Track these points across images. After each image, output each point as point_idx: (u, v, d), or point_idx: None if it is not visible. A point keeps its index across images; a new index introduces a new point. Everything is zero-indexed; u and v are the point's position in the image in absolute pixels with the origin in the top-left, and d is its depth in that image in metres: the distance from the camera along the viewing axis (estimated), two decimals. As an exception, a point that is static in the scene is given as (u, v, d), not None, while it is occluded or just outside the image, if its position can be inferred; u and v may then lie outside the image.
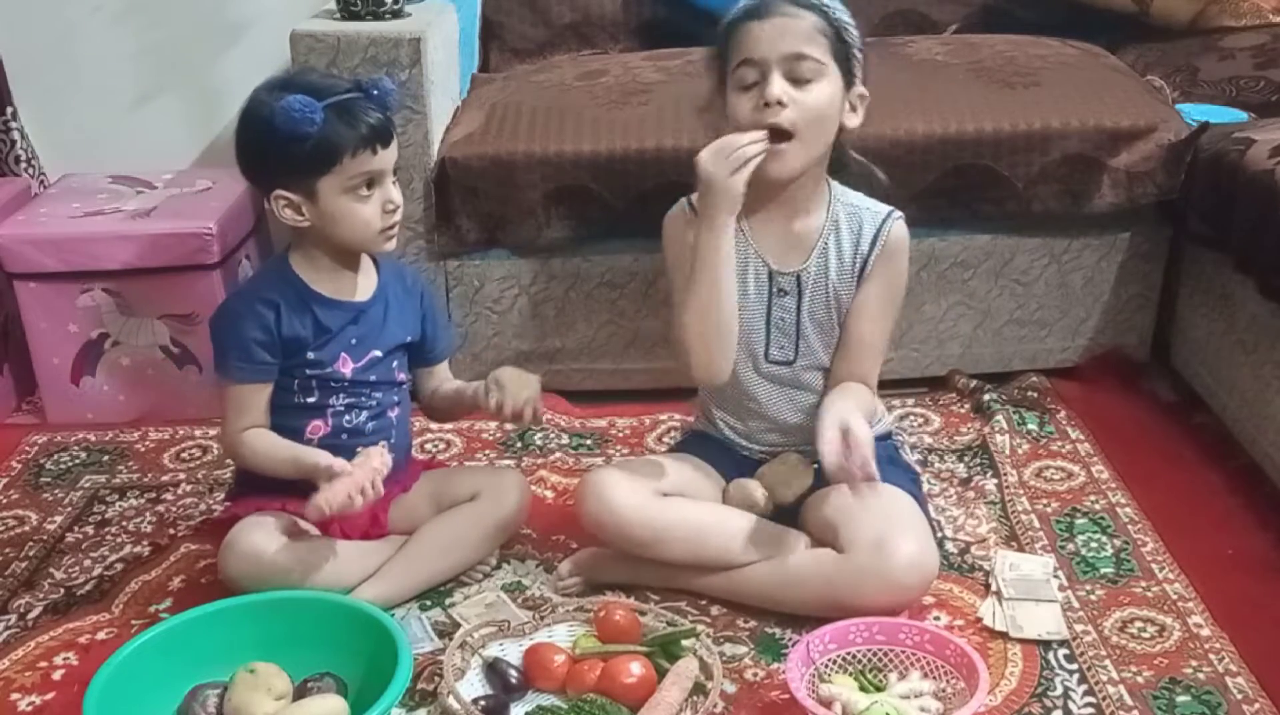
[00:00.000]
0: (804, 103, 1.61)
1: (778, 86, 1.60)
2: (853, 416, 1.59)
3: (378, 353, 1.76)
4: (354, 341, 1.73)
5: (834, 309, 1.73)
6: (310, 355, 1.71)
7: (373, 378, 1.75)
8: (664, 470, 1.78)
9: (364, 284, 1.76)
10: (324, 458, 1.63)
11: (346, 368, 1.73)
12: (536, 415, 1.75)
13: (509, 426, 1.78)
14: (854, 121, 1.68)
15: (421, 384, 1.88)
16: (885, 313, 1.74)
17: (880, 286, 1.72)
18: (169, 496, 2.07)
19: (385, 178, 1.66)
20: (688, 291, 1.66)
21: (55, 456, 2.20)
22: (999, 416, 2.16)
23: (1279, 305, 1.89)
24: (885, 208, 1.74)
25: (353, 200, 1.64)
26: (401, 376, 1.81)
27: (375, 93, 1.65)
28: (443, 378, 1.89)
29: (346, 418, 1.75)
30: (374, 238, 1.68)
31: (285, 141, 1.58)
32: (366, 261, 1.78)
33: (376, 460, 1.62)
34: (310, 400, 1.72)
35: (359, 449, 1.66)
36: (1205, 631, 1.64)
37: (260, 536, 1.65)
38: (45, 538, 1.95)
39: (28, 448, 2.24)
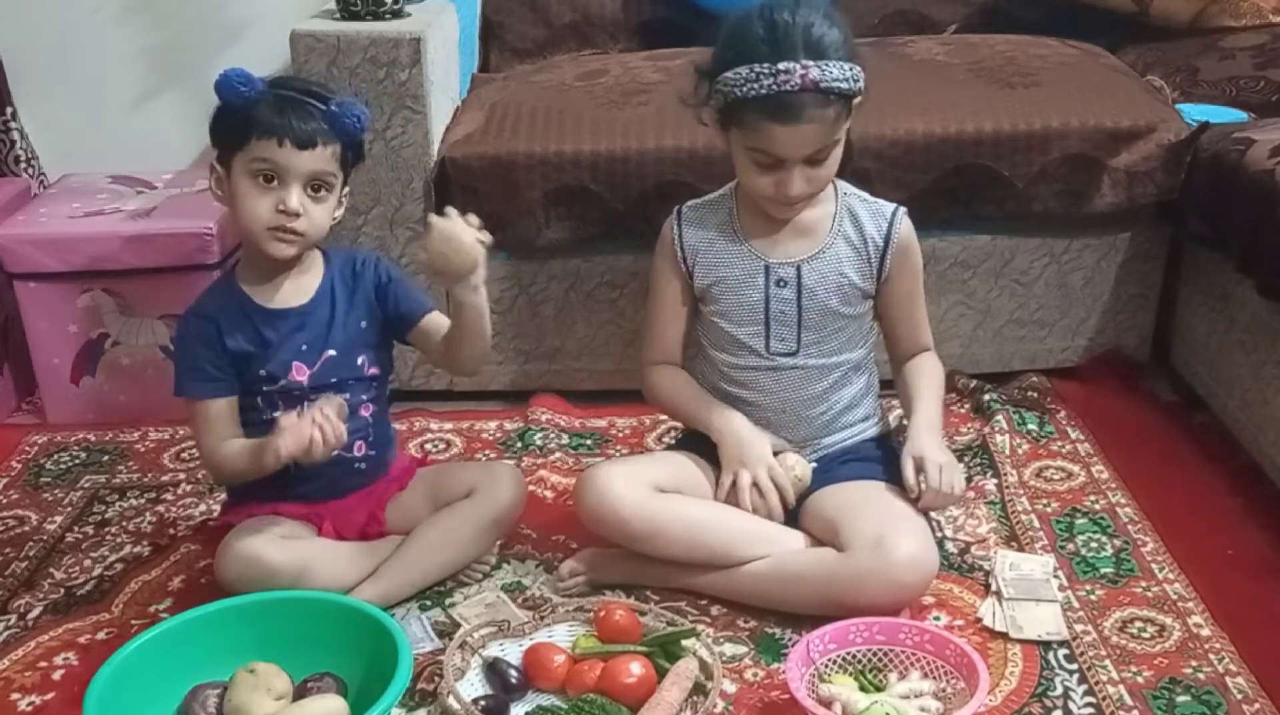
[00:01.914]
0: (819, 178, 1.65)
1: (799, 184, 1.63)
2: (927, 448, 1.67)
3: (333, 352, 1.73)
4: (304, 347, 1.71)
5: (847, 300, 1.74)
6: (261, 371, 1.69)
7: (334, 379, 1.73)
8: (663, 466, 1.79)
9: (306, 284, 1.74)
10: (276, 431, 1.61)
11: (303, 376, 1.71)
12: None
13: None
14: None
15: (424, 348, 1.81)
16: (918, 296, 1.81)
17: (905, 279, 1.77)
18: (169, 496, 2.07)
19: (290, 179, 1.63)
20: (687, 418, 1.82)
21: (55, 456, 2.20)
22: (999, 416, 2.16)
23: (1278, 305, 1.89)
24: (890, 204, 1.76)
25: (251, 186, 1.64)
26: (372, 371, 1.77)
27: (334, 108, 1.65)
28: (439, 331, 1.79)
29: None
30: (261, 233, 1.65)
31: (221, 108, 1.64)
32: (311, 258, 1.75)
33: (329, 405, 1.60)
34: (276, 414, 1.66)
35: (334, 454, 1.66)
36: (1205, 631, 1.64)
37: (256, 540, 1.64)
38: (45, 538, 1.95)
39: (28, 448, 2.24)
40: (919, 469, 1.67)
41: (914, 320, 1.82)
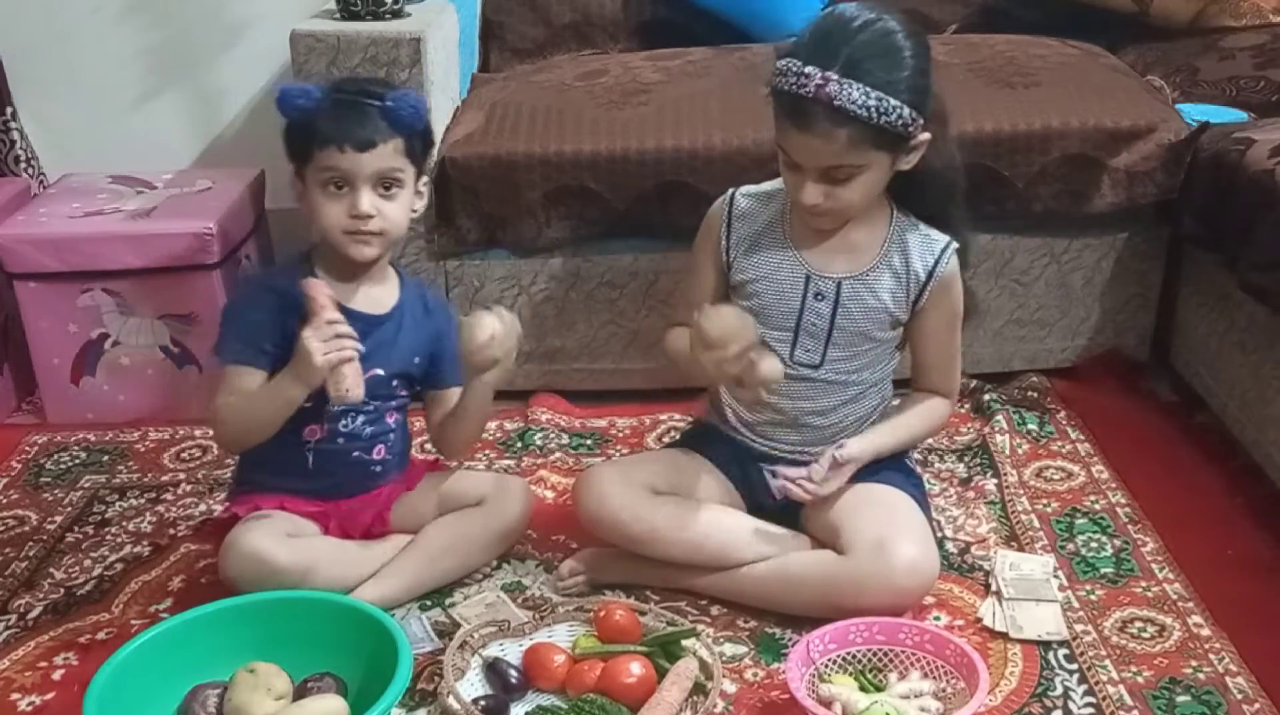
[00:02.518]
0: (842, 197, 1.61)
1: (812, 194, 1.60)
2: (852, 451, 1.68)
3: (380, 372, 1.73)
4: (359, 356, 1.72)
5: (880, 325, 1.71)
6: None
7: (369, 396, 1.72)
8: (661, 467, 1.78)
9: (380, 297, 1.75)
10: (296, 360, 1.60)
11: None
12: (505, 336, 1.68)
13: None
14: (911, 163, 1.63)
15: (431, 413, 1.84)
16: (949, 335, 1.75)
17: (940, 314, 1.72)
18: (169, 496, 2.07)
19: (358, 182, 1.64)
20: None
21: (55, 456, 2.20)
22: (999, 416, 2.16)
23: (1261, 301, 1.89)
24: (944, 237, 1.70)
25: (322, 195, 1.65)
26: (402, 392, 1.79)
27: (390, 103, 1.65)
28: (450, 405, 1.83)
29: (343, 422, 1.73)
30: (340, 238, 1.67)
31: (287, 124, 1.66)
32: (389, 275, 1.77)
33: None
34: (308, 404, 1.68)
35: (355, 454, 1.71)
36: (1205, 631, 1.64)
37: (260, 537, 1.64)
38: (45, 538, 1.95)
39: (28, 448, 2.24)
40: (830, 465, 1.66)
41: (940, 361, 1.75)
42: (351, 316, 1.68)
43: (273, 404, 1.64)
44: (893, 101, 1.53)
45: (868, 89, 1.52)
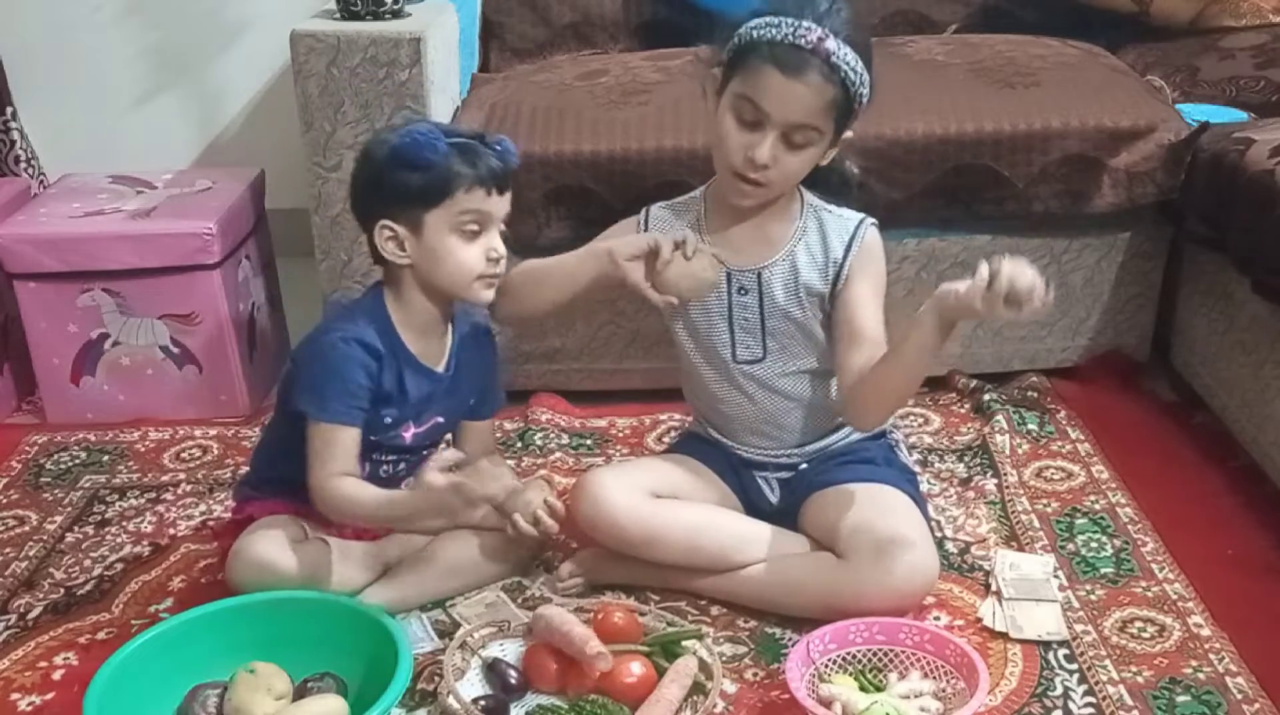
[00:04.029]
0: (786, 166, 1.62)
1: (767, 150, 1.60)
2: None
3: (440, 420, 1.74)
4: (422, 411, 1.71)
5: (807, 307, 1.71)
6: (387, 418, 1.68)
7: (429, 442, 1.75)
8: (659, 471, 1.79)
9: (444, 347, 1.74)
10: (424, 482, 1.56)
11: (408, 433, 1.71)
12: (555, 513, 1.73)
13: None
14: (827, 159, 1.67)
15: (462, 443, 1.83)
16: (878, 304, 1.72)
17: (865, 283, 1.71)
18: (169, 496, 2.07)
19: (493, 224, 1.64)
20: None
21: (55, 456, 2.20)
22: (999, 416, 2.16)
23: (1275, 305, 1.89)
24: (858, 215, 1.73)
25: (458, 239, 1.62)
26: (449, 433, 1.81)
27: (498, 147, 1.64)
28: (485, 443, 1.84)
29: (384, 469, 1.73)
30: (470, 283, 1.65)
31: (405, 168, 1.59)
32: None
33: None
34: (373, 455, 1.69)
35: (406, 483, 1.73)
36: (1205, 631, 1.64)
37: (268, 546, 1.63)
38: (45, 538, 1.95)
39: (28, 448, 2.24)
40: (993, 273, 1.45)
41: (869, 335, 1.67)
42: (421, 372, 1.69)
43: (382, 519, 1.67)
44: (868, 77, 1.59)
45: (857, 56, 1.58)
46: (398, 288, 1.68)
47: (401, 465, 1.75)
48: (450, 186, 1.60)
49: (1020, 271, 1.43)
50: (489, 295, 1.68)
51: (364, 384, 1.63)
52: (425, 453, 1.76)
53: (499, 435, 2.21)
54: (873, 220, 1.74)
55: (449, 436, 1.84)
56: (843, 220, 1.73)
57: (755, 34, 1.60)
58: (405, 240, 1.63)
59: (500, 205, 1.65)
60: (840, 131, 1.64)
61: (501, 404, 1.89)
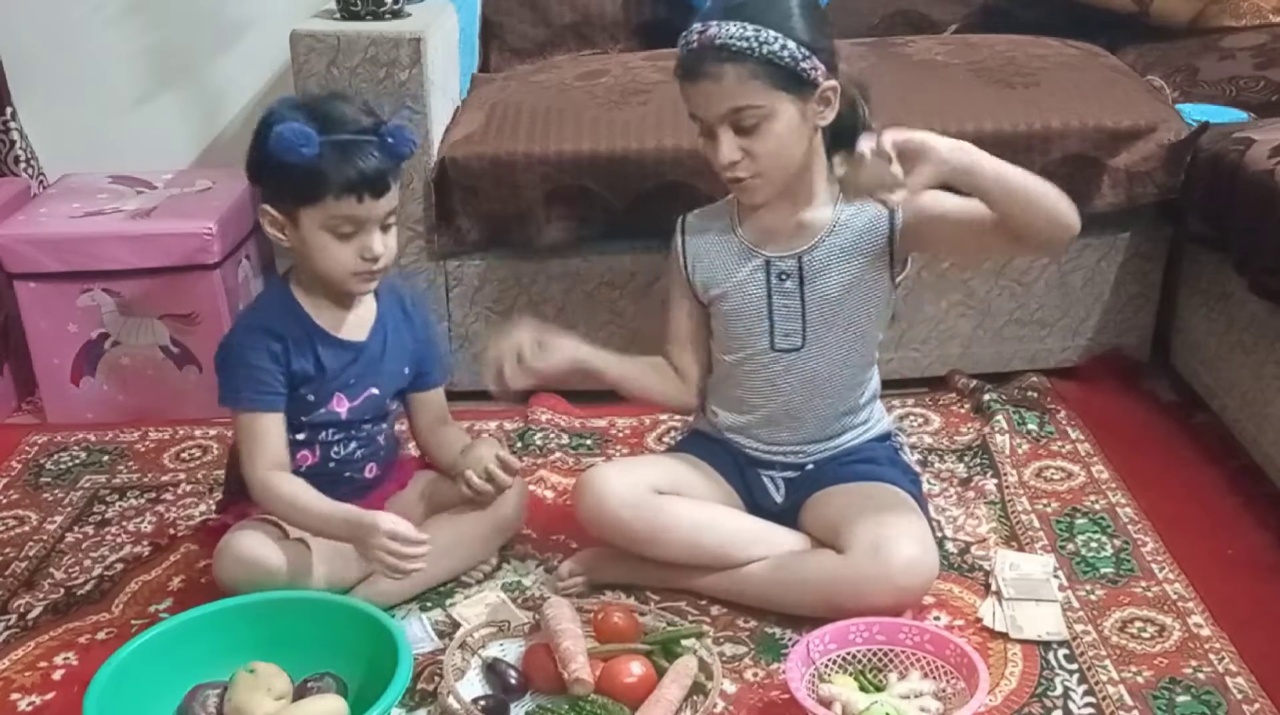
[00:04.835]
0: (757, 150, 1.61)
1: (726, 148, 1.61)
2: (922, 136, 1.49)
3: (374, 391, 1.74)
4: (351, 381, 1.71)
5: (867, 274, 1.69)
6: (310, 396, 1.69)
7: (368, 416, 1.75)
8: (662, 468, 1.79)
9: (364, 317, 1.73)
10: (367, 516, 1.59)
11: (341, 407, 1.71)
12: (506, 466, 1.75)
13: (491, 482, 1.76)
14: (828, 118, 1.64)
15: (414, 416, 1.84)
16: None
17: (928, 196, 1.59)
18: (169, 496, 2.07)
19: (370, 225, 1.62)
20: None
21: (55, 456, 2.20)
22: (999, 416, 2.16)
23: (1273, 304, 1.89)
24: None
25: (330, 237, 1.62)
26: (392, 406, 1.80)
27: (390, 140, 1.60)
28: (436, 414, 1.85)
29: (335, 449, 1.74)
30: (346, 278, 1.65)
31: (277, 161, 1.57)
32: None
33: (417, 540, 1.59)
34: (300, 436, 1.69)
35: (347, 474, 1.72)
36: (1205, 631, 1.64)
37: (253, 541, 1.63)
38: (45, 538, 1.95)
39: (28, 448, 2.24)
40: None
41: (963, 202, 1.60)
42: (343, 346, 1.70)
43: (315, 527, 1.64)
44: (771, 33, 1.57)
45: (744, 24, 1.57)
46: (300, 269, 1.69)
47: (351, 443, 1.74)
48: (319, 191, 1.58)
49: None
50: (367, 287, 1.68)
51: (270, 368, 1.64)
52: (371, 428, 1.76)
53: (499, 435, 2.21)
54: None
55: (400, 410, 1.83)
56: (880, 207, 1.69)
57: (676, 61, 1.65)
58: (284, 227, 1.64)
59: (376, 208, 1.61)
60: (798, 92, 1.59)
61: (447, 375, 1.89)
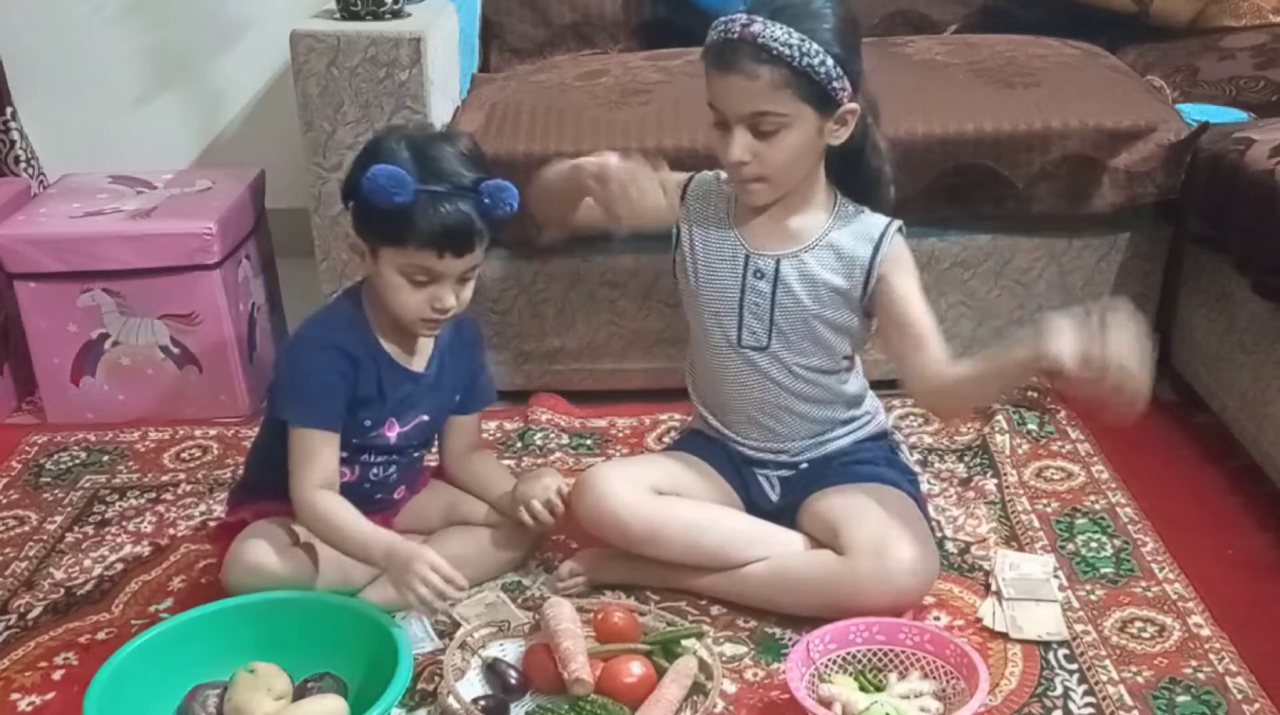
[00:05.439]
0: (768, 157, 1.61)
1: (738, 148, 1.60)
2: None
3: (425, 418, 1.73)
4: (406, 408, 1.71)
5: (827, 304, 1.70)
6: (366, 420, 1.67)
7: (416, 441, 1.75)
8: (662, 467, 1.79)
9: (425, 345, 1.72)
10: (410, 546, 1.58)
11: (392, 432, 1.71)
12: (561, 497, 1.74)
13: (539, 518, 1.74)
14: (840, 138, 1.64)
15: (447, 437, 1.82)
16: (922, 297, 1.71)
17: (905, 279, 1.70)
18: (169, 496, 2.07)
19: (446, 280, 1.60)
20: None
21: (55, 456, 2.20)
22: (999, 416, 2.16)
23: (1275, 304, 1.89)
24: (885, 219, 1.72)
25: (404, 281, 1.60)
26: (435, 434, 1.80)
27: (487, 200, 1.57)
28: (470, 440, 1.84)
29: (375, 471, 1.73)
30: (413, 322, 1.64)
31: (368, 198, 1.54)
32: None
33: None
34: (344, 455, 1.67)
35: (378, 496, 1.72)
36: (1205, 631, 1.64)
37: (263, 549, 1.63)
38: (45, 538, 1.95)
39: (28, 448, 2.24)
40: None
41: (927, 328, 1.67)
42: (405, 374, 1.69)
43: (352, 551, 1.62)
44: (815, 45, 1.55)
45: (790, 29, 1.55)
46: (372, 289, 1.67)
47: (391, 467, 1.75)
48: (402, 237, 1.56)
49: (1128, 353, 1.41)
50: (430, 333, 1.68)
51: (339, 387, 1.62)
52: (415, 453, 1.77)
53: (499, 435, 2.21)
54: (900, 223, 1.72)
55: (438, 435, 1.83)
56: (870, 222, 1.71)
57: (706, 44, 1.62)
58: (364, 254, 1.63)
59: (455, 265, 1.59)
60: (822, 108, 1.60)
61: (491, 400, 1.88)
